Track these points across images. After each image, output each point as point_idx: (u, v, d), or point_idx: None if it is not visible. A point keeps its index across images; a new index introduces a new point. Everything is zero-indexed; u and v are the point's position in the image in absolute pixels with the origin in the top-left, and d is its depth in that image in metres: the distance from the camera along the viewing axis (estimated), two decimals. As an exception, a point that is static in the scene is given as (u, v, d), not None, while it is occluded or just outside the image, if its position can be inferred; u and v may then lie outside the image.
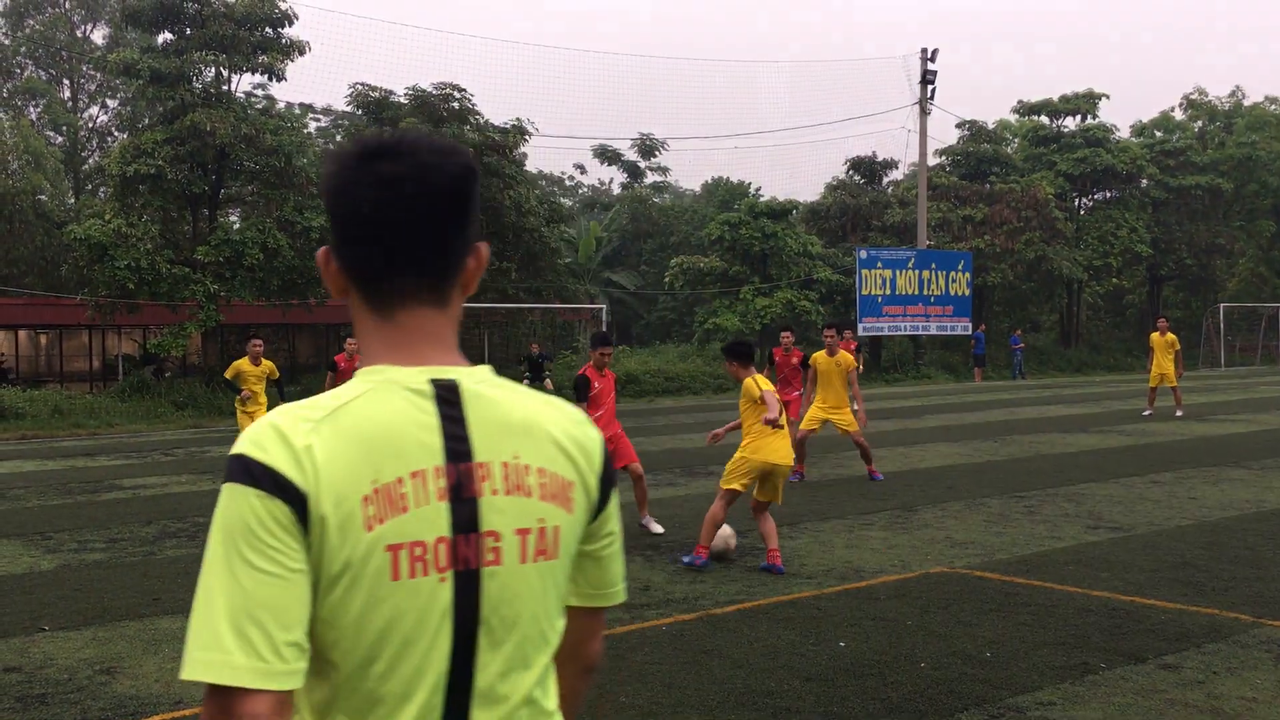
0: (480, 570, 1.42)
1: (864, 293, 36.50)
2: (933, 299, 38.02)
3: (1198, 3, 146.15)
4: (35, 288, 34.76)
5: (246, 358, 14.81)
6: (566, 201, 54.34)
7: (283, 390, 15.64)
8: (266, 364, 14.82)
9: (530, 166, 38.81)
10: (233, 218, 37.97)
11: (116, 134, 45.11)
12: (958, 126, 45.97)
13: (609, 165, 51.34)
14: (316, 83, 76.40)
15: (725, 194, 53.33)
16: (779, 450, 8.22)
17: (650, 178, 51.75)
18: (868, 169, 43.46)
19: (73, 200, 40.97)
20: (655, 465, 13.47)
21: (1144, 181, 46.24)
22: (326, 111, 45.83)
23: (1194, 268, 48.04)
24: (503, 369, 36.03)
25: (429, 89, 31.24)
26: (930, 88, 38.52)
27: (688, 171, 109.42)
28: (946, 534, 9.53)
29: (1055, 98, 46.65)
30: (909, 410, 24.14)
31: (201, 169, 28.33)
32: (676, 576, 8.07)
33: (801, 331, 38.50)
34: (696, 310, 40.46)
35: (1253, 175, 48.43)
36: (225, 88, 29.10)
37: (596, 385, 9.71)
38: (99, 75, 43.90)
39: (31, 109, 45.38)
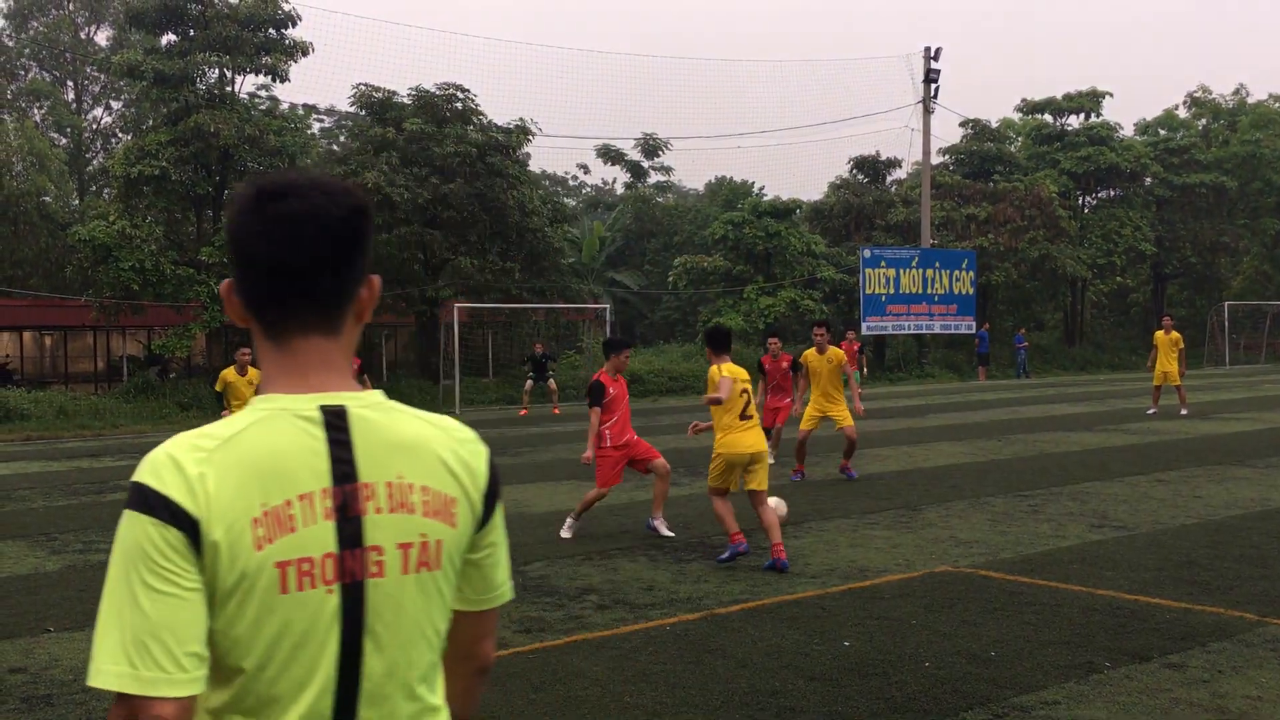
0: (365, 582, 1.55)
1: (868, 292, 36.48)
2: (936, 298, 37.99)
3: (1202, 0, 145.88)
4: (40, 289, 34.81)
5: (234, 367, 14.65)
6: (570, 201, 54.34)
7: None
8: (254, 372, 14.77)
9: (534, 166, 38.83)
10: (237, 219, 37.97)
11: (121, 135, 45.16)
12: (961, 125, 45.99)
13: (612, 165, 51.32)
14: (320, 83, 76.49)
15: (729, 193, 53.31)
16: (750, 441, 8.40)
17: (654, 177, 51.74)
18: (871, 168, 43.43)
19: (77, 202, 41.05)
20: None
21: (1148, 180, 46.17)
22: (330, 112, 45.90)
23: (1198, 266, 47.95)
24: (506, 369, 35.90)
25: (432, 89, 31.26)
26: (934, 86, 38.49)
27: (691, 171, 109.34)
28: (951, 533, 9.53)
29: (1059, 96, 46.60)
30: (913, 409, 24.12)
31: (205, 170, 28.37)
32: (680, 576, 8.07)
33: (805, 332, 38.54)
34: (700, 310, 40.46)
35: (1257, 173, 48.34)
36: (229, 89, 29.13)
37: (611, 391, 9.64)
38: (103, 77, 43.98)
39: (36, 111, 45.46)
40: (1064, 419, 20.74)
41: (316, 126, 45.49)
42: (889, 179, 44.41)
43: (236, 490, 1.50)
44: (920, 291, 37.55)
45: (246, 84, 31.52)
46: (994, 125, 46.79)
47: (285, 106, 33.88)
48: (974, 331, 39.05)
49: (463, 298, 29.99)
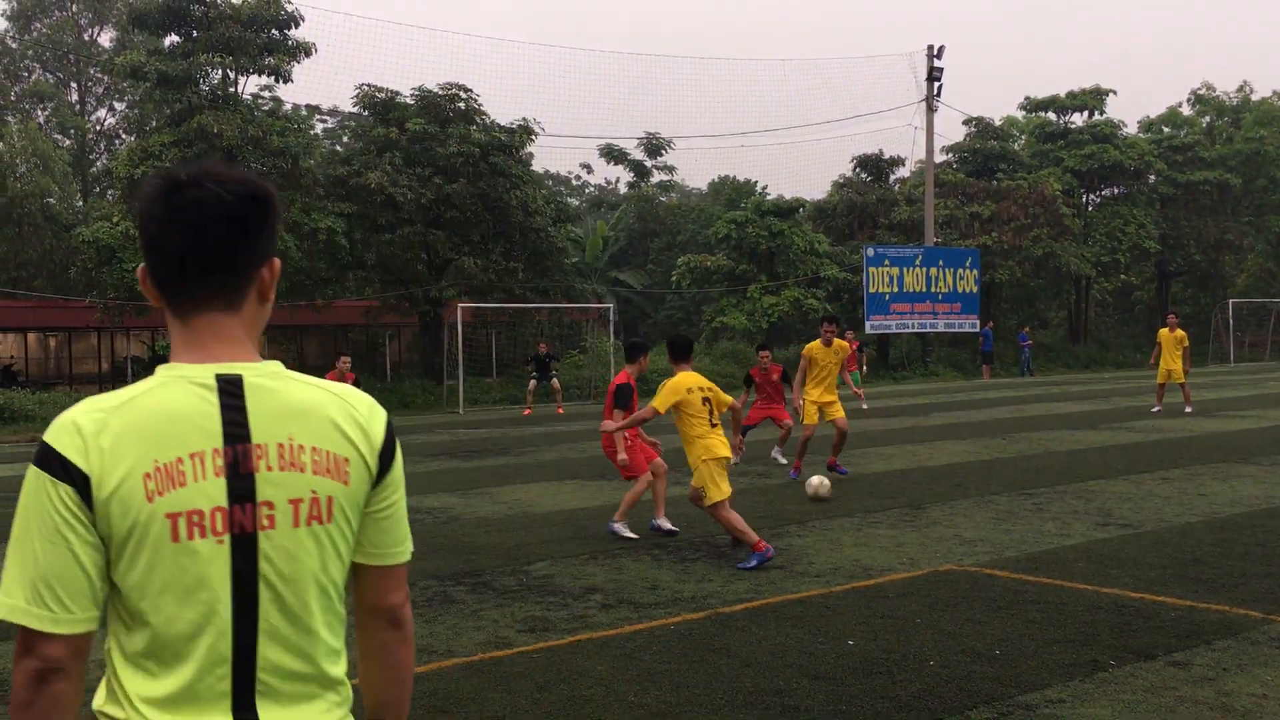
0: (257, 534, 1.70)
1: (871, 290, 36.46)
2: (940, 296, 37.96)
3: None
4: (44, 290, 34.87)
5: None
6: (573, 201, 54.33)
7: None
8: None
9: (537, 166, 38.86)
10: (240, 219, 37.91)
11: (124, 136, 45.23)
12: (964, 123, 45.95)
13: (615, 164, 51.27)
14: (323, 84, 76.54)
15: (732, 192, 53.30)
16: (723, 444, 8.60)
17: (657, 177, 51.68)
18: (874, 166, 43.39)
19: (81, 203, 41.10)
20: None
21: (1152, 177, 46.10)
22: (333, 113, 45.90)
23: (1202, 263, 47.88)
24: (510, 368, 35.85)
25: (435, 89, 31.26)
26: (937, 85, 38.46)
27: (694, 170, 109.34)
28: (955, 532, 9.52)
29: (1062, 94, 46.54)
30: (917, 408, 24.10)
31: (209, 171, 28.35)
32: (685, 576, 8.07)
33: (809, 330, 38.51)
34: (704, 309, 40.44)
35: (1261, 170, 48.26)
36: (232, 90, 29.15)
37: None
38: (106, 78, 44.01)
39: (39, 112, 45.53)
40: (1068, 417, 20.71)
41: (320, 127, 45.53)
42: (892, 177, 44.40)
43: (130, 448, 1.66)
44: (924, 290, 37.52)
45: (250, 85, 31.62)
46: (997, 123, 46.73)
47: (288, 107, 33.92)
48: (978, 330, 39.02)
49: (466, 298, 30.00)
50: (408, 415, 26.40)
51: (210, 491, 1.68)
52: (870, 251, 36.78)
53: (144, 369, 32.01)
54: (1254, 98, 51.71)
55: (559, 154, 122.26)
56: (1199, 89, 52.27)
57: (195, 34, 28.24)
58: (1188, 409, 20.67)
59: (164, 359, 1.80)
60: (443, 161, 30.04)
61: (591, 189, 61.86)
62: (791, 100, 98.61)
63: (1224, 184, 45.88)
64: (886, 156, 43.25)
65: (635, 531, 9.57)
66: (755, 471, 13.91)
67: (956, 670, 5.69)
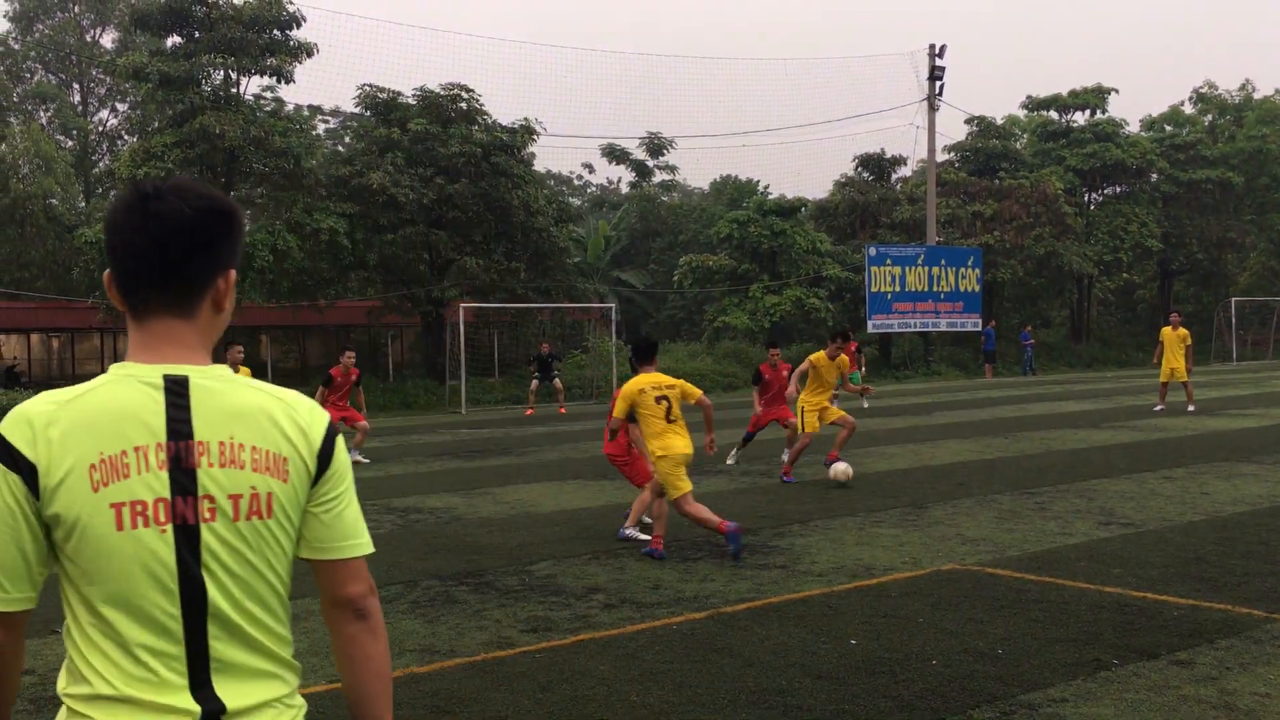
0: (199, 525, 1.81)
1: (873, 290, 36.45)
2: (942, 295, 37.95)
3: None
4: (47, 291, 34.91)
5: (226, 365, 14.80)
6: (575, 201, 54.32)
7: None
8: (245, 372, 14.89)
9: (538, 166, 38.84)
10: (242, 220, 37.76)
11: (126, 137, 45.25)
12: (966, 122, 45.92)
13: (617, 164, 51.23)
14: (325, 85, 76.56)
15: (734, 192, 53.30)
16: (683, 444, 8.67)
17: (658, 176, 51.68)
18: (876, 166, 43.38)
19: (83, 204, 41.12)
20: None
21: (1154, 176, 46.05)
22: (335, 113, 45.91)
23: (1205, 262, 47.83)
24: (512, 368, 35.82)
25: (437, 90, 31.27)
26: (938, 84, 38.45)
27: (696, 170, 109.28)
28: (957, 531, 9.52)
29: (1064, 93, 46.50)
30: (919, 407, 24.09)
31: (211, 172, 28.40)
32: (687, 575, 8.07)
33: (811, 329, 38.53)
34: (706, 309, 40.45)
35: (1263, 169, 48.21)
36: (234, 90, 29.15)
37: None
38: (108, 79, 44.03)
39: (42, 113, 45.56)
40: (1070, 416, 20.70)
41: (321, 127, 45.50)
42: (894, 176, 44.37)
43: (78, 440, 1.77)
44: (926, 289, 37.51)
45: (251, 85, 31.58)
46: (999, 122, 46.70)
47: (290, 108, 33.87)
48: (980, 329, 39.01)
49: (468, 298, 30.01)
50: (410, 415, 26.41)
51: (153, 484, 1.78)
52: (872, 251, 36.77)
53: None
54: (1256, 96, 51.65)
55: (561, 154, 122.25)
56: (1201, 87, 52.23)
57: (197, 35, 28.25)
58: (1190, 408, 20.65)
59: None
60: (444, 161, 30.04)
61: (593, 189, 61.88)
62: (793, 100, 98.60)
63: (1226, 182, 45.83)
64: (888, 156, 43.26)
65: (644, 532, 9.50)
66: (758, 471, 13.91)
67: (959, 669, 5.69)
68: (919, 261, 37.38)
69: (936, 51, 38.38)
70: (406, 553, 9.14)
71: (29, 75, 46.83)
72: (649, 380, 8.85)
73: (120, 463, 1.77)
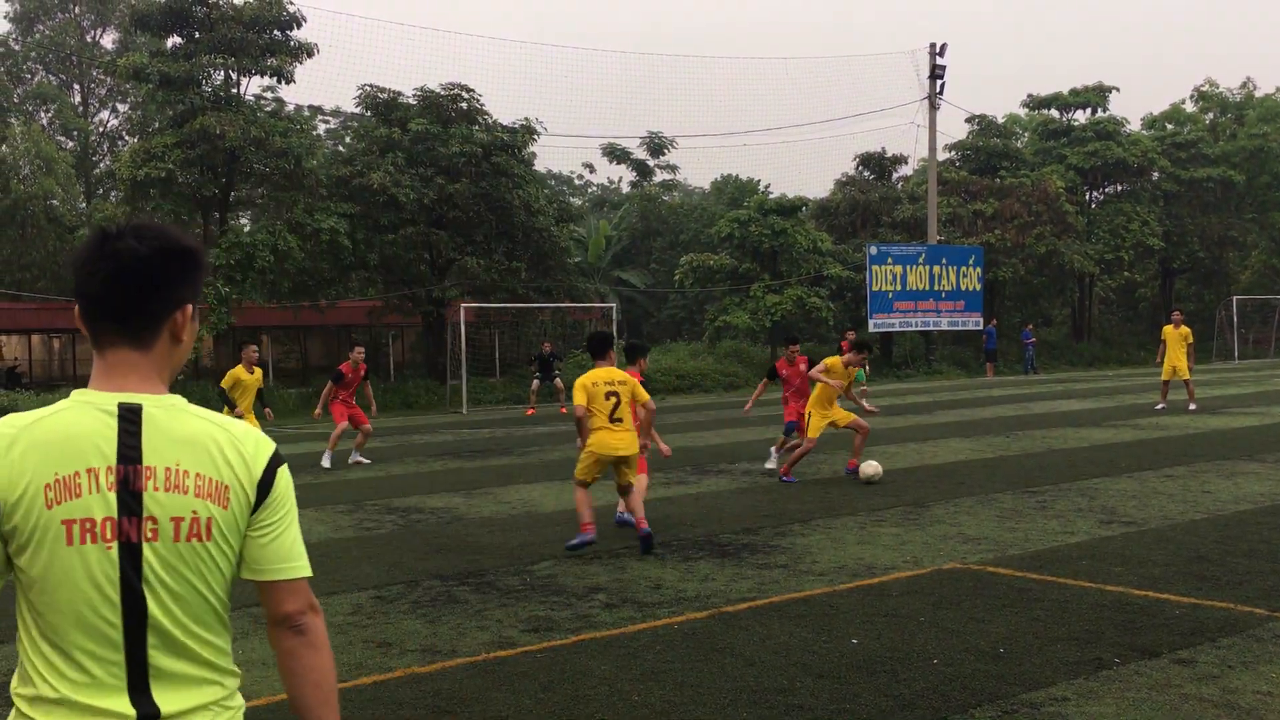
0: (141, 544, 1.94)
1: (874, 289, 36.43)
2: (944, 294, 37.94)
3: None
4: (48, 292, 34.92)
5: (242, 365, 14.88)
6: (576, 200, 54.31)
7: (263, 400, 15.68)
8: (259, 371, 15.06)
9: (539, 166, 38.83)
10: (243, 220, 37.94)
11: (127, 138, 45.27)
12: (967, 121, 45.89)
13: (618, 164, 51.23)
14: (325, 85, 76.55)
15: (734, 191, 53.28)
16: (620, 443, 8.79)
17: (659, 176, 51.67)
18: (877, 165, 43.36)
19: (84, 205, 41.13)
20: (666, 463, 13.47)
21: (1155, 174, 46.02)
22: (335, 113, 45.90)
23: (1206, 260, 47.80)
24: (513, 368, 35.80)
25: (437, 90, 31.27)
26: (939, 82, 38.43)
27: (696, 169, 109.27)
28: (959, 530, 9.51)
29: (1065, 91, 46.47)
30: (921, 406, 24.09)
31: (212, 172, 28.42)
32: (688, 575, 8.07)
33: (812, 329, 38.51)
34: (707, 308, 40.42)
35: (1265, 167, 48.17)
36: (234, 91, 29.17)
37: None
38: (109, 80, 44.04)
39: (42, 114, 45.57)
40: (1072, 415, 20.69)
41: (322, 128, 45.47)
42: (895, 175, 44.36)
43: (34, 461, 1.91)
44: (927, 288, 37.49)
45: (252, 86, 31.56)
46: (1000, 121, 46.68)
47: (291, 108, 33.87)
48: (981, 328, 38.99)
49: (469, 298, 30.01)
50: (411, 415, 26.42)
51: (102, 503, 1.92)
52: (873, 250, 36.75)
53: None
54: (1257, 94, 51.60)
55: (561, 154, 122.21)
56: (1202, 85, 52.19)
57: (197, 35, 28.26)
58: (1192, 406, 20.64)
59: None
60: (445, 161, 30.04)
61: (594, 188, 61.84)
62: (794, 99, 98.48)
63: (1227, 181, 45.79)
64: (889, 154, 43.24)
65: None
66: (758, 470, 13.90)
67: (960, 668, 5.68)
68: (920, 260, 37.36)
69: (937, 50, 38.36)
70: (408, 553, 9.14)
71: (29, 76, 46.84)
72: (603, 375, 8.97)
73: (73, 483, 1.91)
